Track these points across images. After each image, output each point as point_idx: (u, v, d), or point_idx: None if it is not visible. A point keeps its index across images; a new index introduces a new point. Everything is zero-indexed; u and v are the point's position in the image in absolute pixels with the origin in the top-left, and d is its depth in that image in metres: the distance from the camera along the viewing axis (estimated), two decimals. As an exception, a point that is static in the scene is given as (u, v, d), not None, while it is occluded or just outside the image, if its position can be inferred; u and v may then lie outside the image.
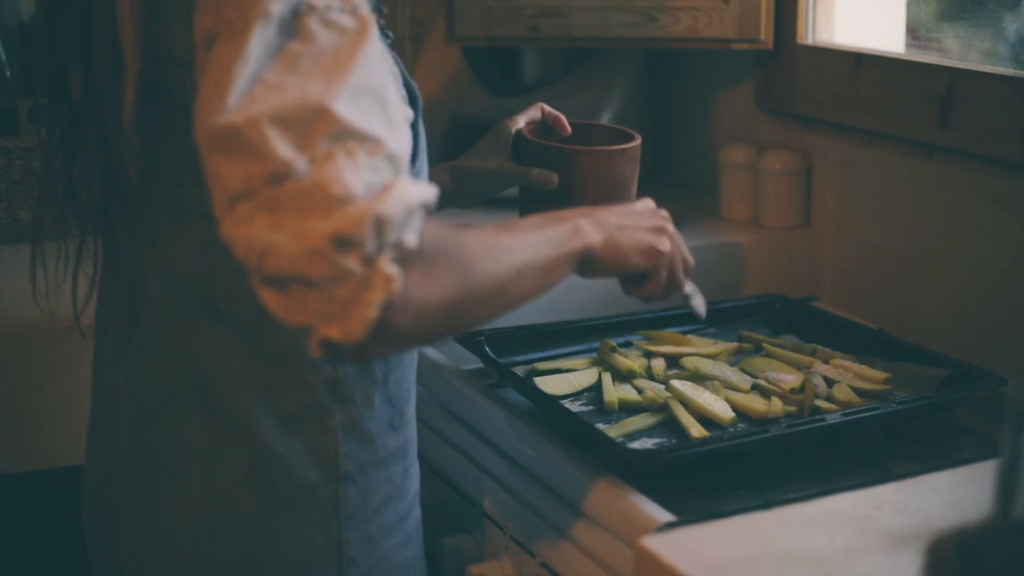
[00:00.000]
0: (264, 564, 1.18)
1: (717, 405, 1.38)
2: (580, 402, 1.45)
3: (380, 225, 0.92)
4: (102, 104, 1.11)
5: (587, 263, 1.15)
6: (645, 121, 2.17)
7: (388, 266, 0.93)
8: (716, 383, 1.44)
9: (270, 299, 0.94)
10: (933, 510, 1.14)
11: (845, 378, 1.46)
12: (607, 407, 1.41)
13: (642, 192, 1.38)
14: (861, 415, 1.34)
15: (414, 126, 1.18)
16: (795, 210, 1.95)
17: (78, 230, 1.21)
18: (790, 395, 1.41)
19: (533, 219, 1.14)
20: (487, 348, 1.52)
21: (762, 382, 1.45)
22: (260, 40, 0.96)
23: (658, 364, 1.51)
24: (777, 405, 1.39)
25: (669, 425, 1.37)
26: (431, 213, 0.98)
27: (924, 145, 1.71)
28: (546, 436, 1.37)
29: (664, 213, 1.25)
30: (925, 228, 1.74)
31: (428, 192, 0.97)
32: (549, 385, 1.45)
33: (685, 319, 1.66)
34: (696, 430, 1.33)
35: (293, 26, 0.98)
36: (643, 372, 1.49)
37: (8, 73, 1.93)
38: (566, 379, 1.48)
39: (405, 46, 2.26)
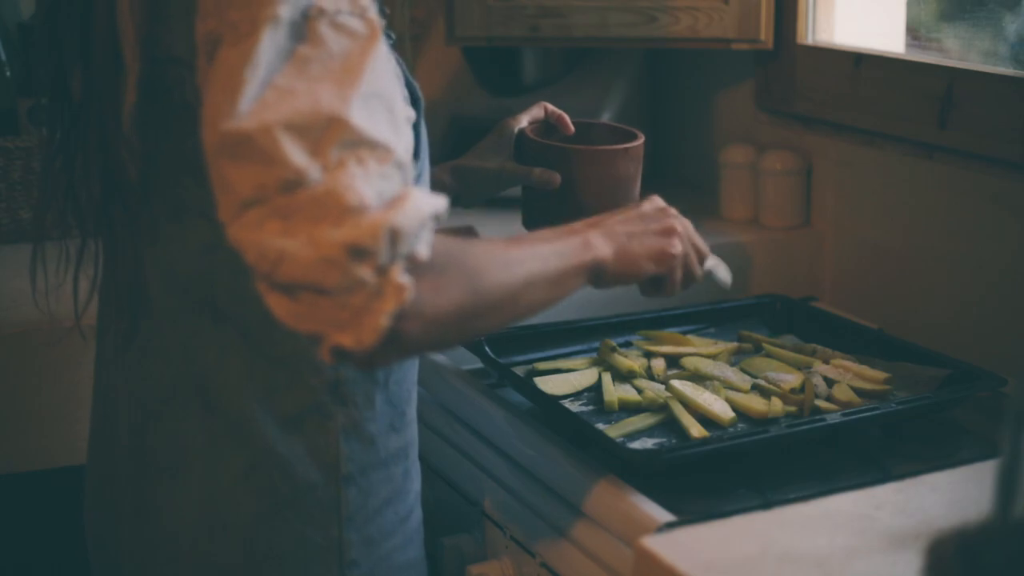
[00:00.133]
0: (264, 564, 1.18)
1: (717, 405, 1.38)
2: (580, 402, 1.45)
3: (394, 236, 0.93)
4: (102, 104, 1.11)
5: (599, 275, 1.16)
6: (645, 121, 2.17)
7: (400, 276, 0.94)
8: (716, 383, 1.44)
9: (278, 305, 0.95)
10: (933, 510, 1.14)
11: (845, 378, 1.46)
12: (607, 407, 1.41)
13: (642, 193, 1.38)
14: (861, 415, 1.34)
15: (416, 127, 1.18)
16: (795, 210, 1.95)
17: (78, 230, 1.21)
18: (790, 395, 1.41)
19: (544, 232, 1.15)
20: (487, 348, 1.52)
21: (762, 382, 1.45)
22: (270, 43, 0.96)
23: (658, 364, 1.51)
24: (777, 405, 1.39)
25: (669, 425, 1.37)
26: (442, 222, 0.99)
27: (924, 145, 1.71)
28: (546, 436, 1.37)
29: (673, 211, 1.26)
30: (925, 228, 1.74)
31: (439, 203, 0.98)
32: (549, 385, 1.45)
33: (685, 319, 1.66)
34: (696, 430, 1.33)
35: (302, 29, 0.98)
36: (643, 372, 1.49)
37: (8, 73, 1.93)
38: (566, 379, 1.48)
39: (405, 46, 2.26)
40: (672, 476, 1.26)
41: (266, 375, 1.16)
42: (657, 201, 1.27)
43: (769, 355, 1.54)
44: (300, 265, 0.92)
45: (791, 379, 1.44)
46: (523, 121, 1.47)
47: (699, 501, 1.22)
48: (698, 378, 1.46)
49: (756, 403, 1.39)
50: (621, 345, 1.57)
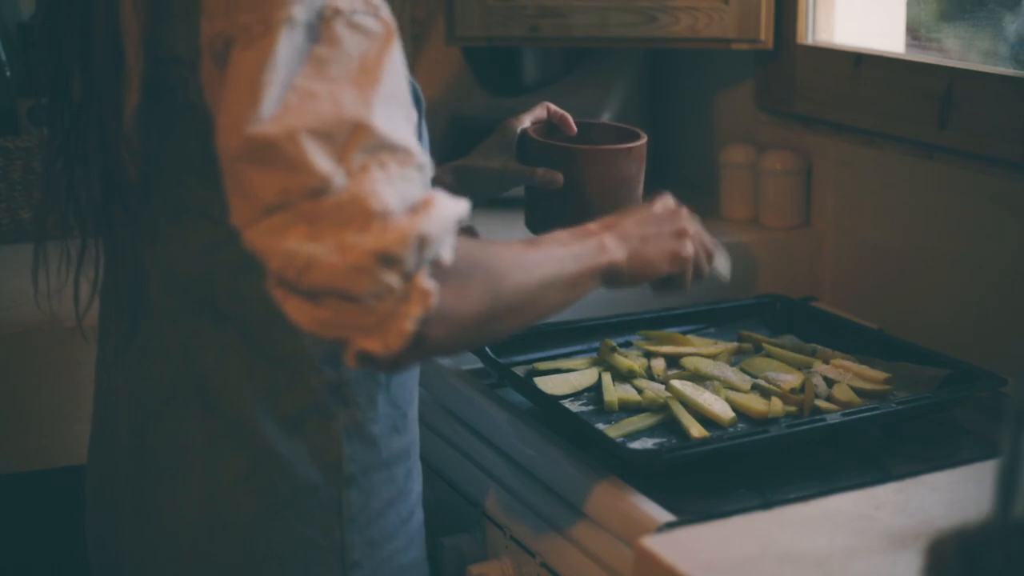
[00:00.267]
0: (264, 565, 1.18)
1: (717, 405, 1.38)
2: (580, 402, 1.45)
3: (422, 243, 0.95)
4: (102, 104, 1.11)
5: (613, 277, 1.18)
6: (645, 121, 2.17)
7: (426, 281, 0.95)
8: (716, 383, 1.44)
9: (299, 311, 0.95)
10: (933, 510, 1.14)
11: (845, 378, 1.46)
12: (607, 407, 1.41)
13: (647, 192, 1.38)
14: (861, 415, 1.34)
15: (417, 127, 1.18)
16: (795, 210, 1.95)
17: (79, 231, 1.21)
18: (790, 395, 1.41)
19: (560, 234, 1.16)
20: (487, 348, 1.52)
21: (762, 382, 1.45)
22: (287, 45, 0.96)
23: (658, 364, 1.51)
24: (777, 405, 1.39)
25: (669, 425, 1.37)
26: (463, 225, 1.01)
27: (924, 145, 1.71)
28: (546, 436, 1.37)
29: (684, 211, 1.27)
30: (925, 228, 1.74)
31: (463, 207, 0.99)
32: (549, 385, 1.45)
33: (685, 319, 1.66)
34: (696, 430, 1.33)
35: (318, 30, 0.98)
36: (643, 372, 1.49)
37: (8, 73, 1.93)
38: (566, 379, 1.48)
39: (405, 46, 2.26)
40: (672, 476, 1.26)
41: (266, 375, 1.16)
42: (669, 201, 1.27)
43: (769, 355, 1.54)
44: (329, 272, 0.93)
45: (791, 379, 1.44)
46: (525, 121, 1.47)
47: (699, 501, 1.22)
48: (698, 378, 1.46)
49: (756, 403, 1.39)
50: (621, 345, 1.57)
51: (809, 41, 1.92)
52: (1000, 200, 1.62)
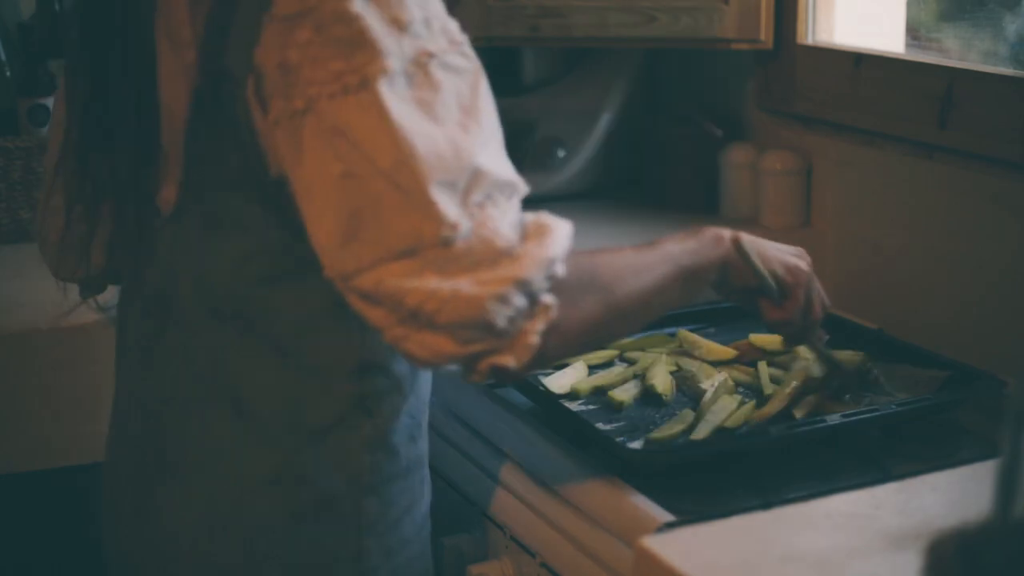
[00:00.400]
0: (285, 573, 1.18)
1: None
2: (580, 402, 1.44)
3: (550, 266, 1.03)
4: (145, 113, 1.12)
5: (728, 269, 1.23)
6: (645, 121, 2.17)
7: (546, 296, 1.03)
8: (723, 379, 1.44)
9: (425, 345, 1.01)
10: (933, 510, 1.13)
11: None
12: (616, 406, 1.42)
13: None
14: (861, 416, 1.34)
15: None
16: (795, 210, 1.95)
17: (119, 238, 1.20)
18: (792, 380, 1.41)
19: (677, 234, 1.22)
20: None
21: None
22: (392, 95, 1.00)
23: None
24: (775, 405, 1.38)
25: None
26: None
27: (924, 145, 1.71)
28: (546, 436, 1.37)
29: (808, 258, 1.33)
30: (925, 228, 1.74)
31: (570, 227, 1.08)
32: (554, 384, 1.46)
33: (684, 319, 1.66)
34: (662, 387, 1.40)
35: (415, 76, 1.02)
36: (670, 394, 1.46)
37: (8, 73, 1.93)
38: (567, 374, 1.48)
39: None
40: (672, 476, 1.26)
41: (295, 385, 1.16)
42: (802, 251, 1.34)
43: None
44: (472, 303, 1.00)
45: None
46: None
47: (699, 501, 1.21)
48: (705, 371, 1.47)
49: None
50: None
51: (809, 41, 1.92)
52: (1000, 200, 1.62)
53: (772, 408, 1.38)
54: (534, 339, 1.03)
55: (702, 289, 1.23)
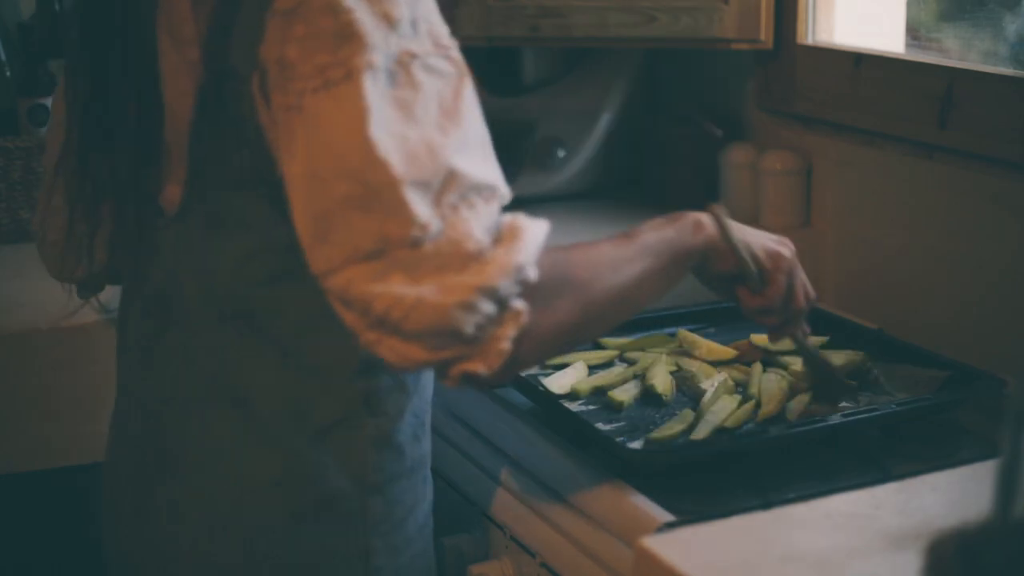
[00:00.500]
0: (291, 572, 1.17)
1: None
2: (580, 402, 1.44)
3: (518, 271, 1.00)
4: (147, 109, 1.12)
5: (708, 255, 1.21)
6: (645, 121, 2.17)
7: (516, 301, 1.01)
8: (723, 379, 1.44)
9: (395, 351, 1.00)
10: (933, 510, 1.13)
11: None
12: (616, 406, 1.41)
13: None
14: (861, 416, 1.34)
15: None
16: (795, 210, 1.94)
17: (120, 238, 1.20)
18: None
19: (655, 220, 1.20)
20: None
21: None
22: (374, 91, 0.99)
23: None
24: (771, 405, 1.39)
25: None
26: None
27: (924, 145, 1.71)
28: (546, 436, 1.37)
29: (792, 246, 1.30)
30: (925, 228, 1.74)
31: (545, 229, 1.05)
32: (555, 384, 1.46)
33: (685, 319, 1.66)
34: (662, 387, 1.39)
35: (397, 75, 1.01)
36: (671, 394, 1.46)
37: (8, 73, 1.93)
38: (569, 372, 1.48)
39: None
40: (672, 476, 1.26)
41: (299, 384, 1.16)
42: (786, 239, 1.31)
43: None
44: (437, 312, 0.98)
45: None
46: None
47: (699, 501, 1.21)
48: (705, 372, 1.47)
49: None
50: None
51: (809, 41, 1.91)
52: (1000, 200, 1.62)
53: (773, 408, 1.38)
54: (505, 345, 1.01)
55: (682, 277, 1.21)
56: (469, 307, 0.98)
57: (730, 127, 2.07)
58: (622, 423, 1.38)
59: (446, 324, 0.98)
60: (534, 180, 2.05)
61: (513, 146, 2.04)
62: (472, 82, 1.06)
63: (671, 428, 1.34)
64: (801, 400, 1.39)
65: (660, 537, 1.10)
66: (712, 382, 1.43)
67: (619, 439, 1.33)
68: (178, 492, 1.18)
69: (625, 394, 1.43)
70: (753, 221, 1.98)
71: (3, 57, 1.93)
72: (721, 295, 1.30)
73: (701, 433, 1.32)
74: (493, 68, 2.15)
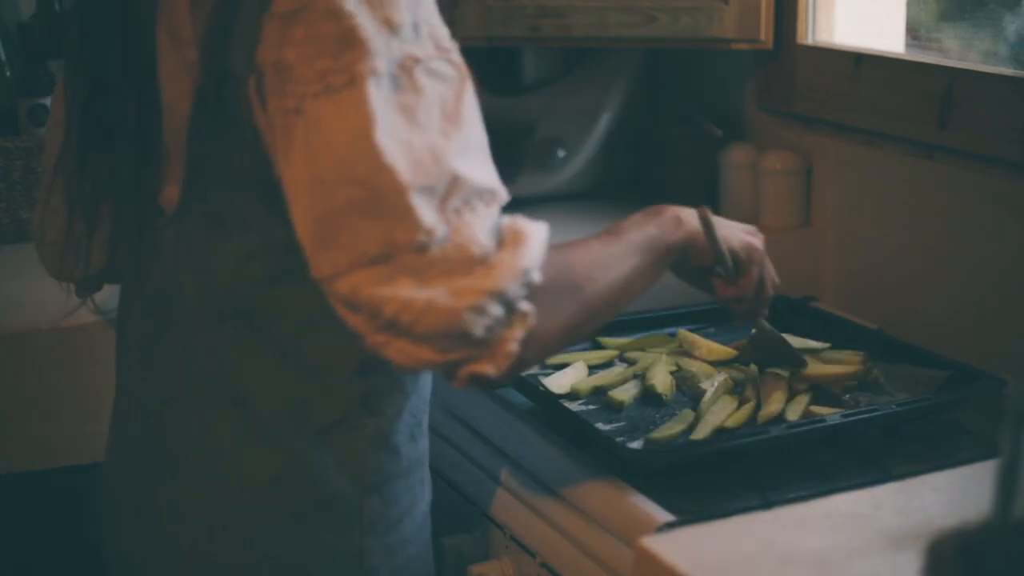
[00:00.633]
0: (285, 572, 1.17)
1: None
2: (580, 402, 1.44)
3: (525, 275, 1.02)
4: (146, 110, 1.12)
5: (688, 250, 1.25)
6: (645, 121, 2.17)
7: (523, 304, 1.03)
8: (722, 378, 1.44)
9: (404, 352, 1.01)
10: (933, 510, 1.14)
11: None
12: (617, 406, 1.41)
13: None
14: (861, 416, 1.34)
15: None
16: (795, 210, 1.94)
17: (119, 234, 1.20)
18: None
19: (636, 216, 1.23)
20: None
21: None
22: (378, 97, 1.00)
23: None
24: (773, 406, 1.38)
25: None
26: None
27: (924, 145, 1.71)
28: (546, 436, 1.37)
29: (762, 236, 1.35)
30: (925, 228, 1.74)
31: (546, 231, 1.07)
32: (555, 384, 1.46)
33: (685, 319, 1.66)
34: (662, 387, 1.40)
35: (401, 80, 1.02)
36: (671, 394, 1.46)
37: (8, 73, 1.93)
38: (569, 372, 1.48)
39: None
40: (672, 476, 1.26)
41: (298, 384, 1.16)
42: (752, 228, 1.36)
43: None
44: (447, 315, 0.99)
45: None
46: None
47: (699, 501, 1.21)
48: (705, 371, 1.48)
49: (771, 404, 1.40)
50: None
51: (809, 41, 1.91)
52: (1000, 200, 1.62)
53: (774, 408, 1.38)
54: (513, 347, 1.03)
55: (663, 272, 1.25)
56: (479, 310, 1.00)
57: (730, 127, 2.07)
58: (622, 423, 1.39)
59: (457, 327, 1.00)
60: (534, 180, 2.05)
61: (513, 146, 2.04)
62: (472, 84, 1.06)
63: (671, 428, 1.34)
64: (801, 400, 1.39)
65: (660, 537, 1.10)
66: (712, 382, 1.43)
67: (619, 439, 1.33)
68: (178, 492, 1.18)
69: (625, 394, 1.43)
70: (753, 221, 1.98)
71: (3, 57, 1.93)
72: (695, 285, 1.35)
73: (701, 433, 1.32)
74: (493, 68, 2.15)
